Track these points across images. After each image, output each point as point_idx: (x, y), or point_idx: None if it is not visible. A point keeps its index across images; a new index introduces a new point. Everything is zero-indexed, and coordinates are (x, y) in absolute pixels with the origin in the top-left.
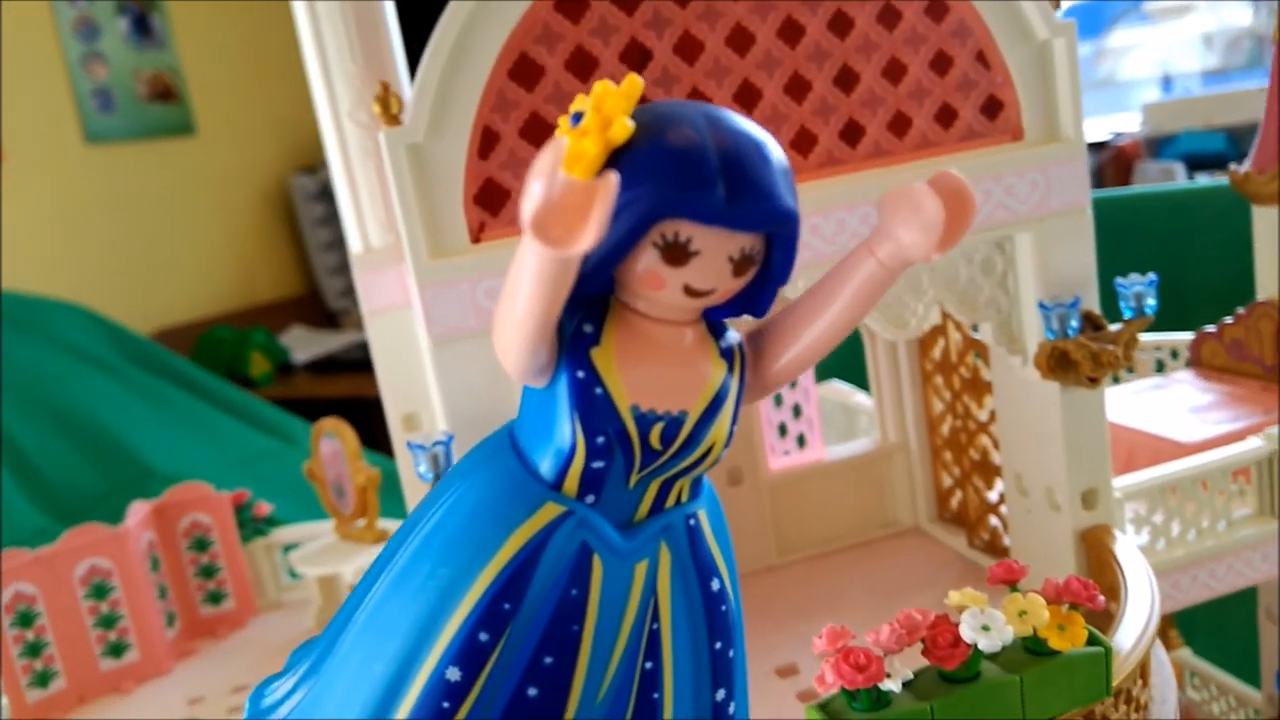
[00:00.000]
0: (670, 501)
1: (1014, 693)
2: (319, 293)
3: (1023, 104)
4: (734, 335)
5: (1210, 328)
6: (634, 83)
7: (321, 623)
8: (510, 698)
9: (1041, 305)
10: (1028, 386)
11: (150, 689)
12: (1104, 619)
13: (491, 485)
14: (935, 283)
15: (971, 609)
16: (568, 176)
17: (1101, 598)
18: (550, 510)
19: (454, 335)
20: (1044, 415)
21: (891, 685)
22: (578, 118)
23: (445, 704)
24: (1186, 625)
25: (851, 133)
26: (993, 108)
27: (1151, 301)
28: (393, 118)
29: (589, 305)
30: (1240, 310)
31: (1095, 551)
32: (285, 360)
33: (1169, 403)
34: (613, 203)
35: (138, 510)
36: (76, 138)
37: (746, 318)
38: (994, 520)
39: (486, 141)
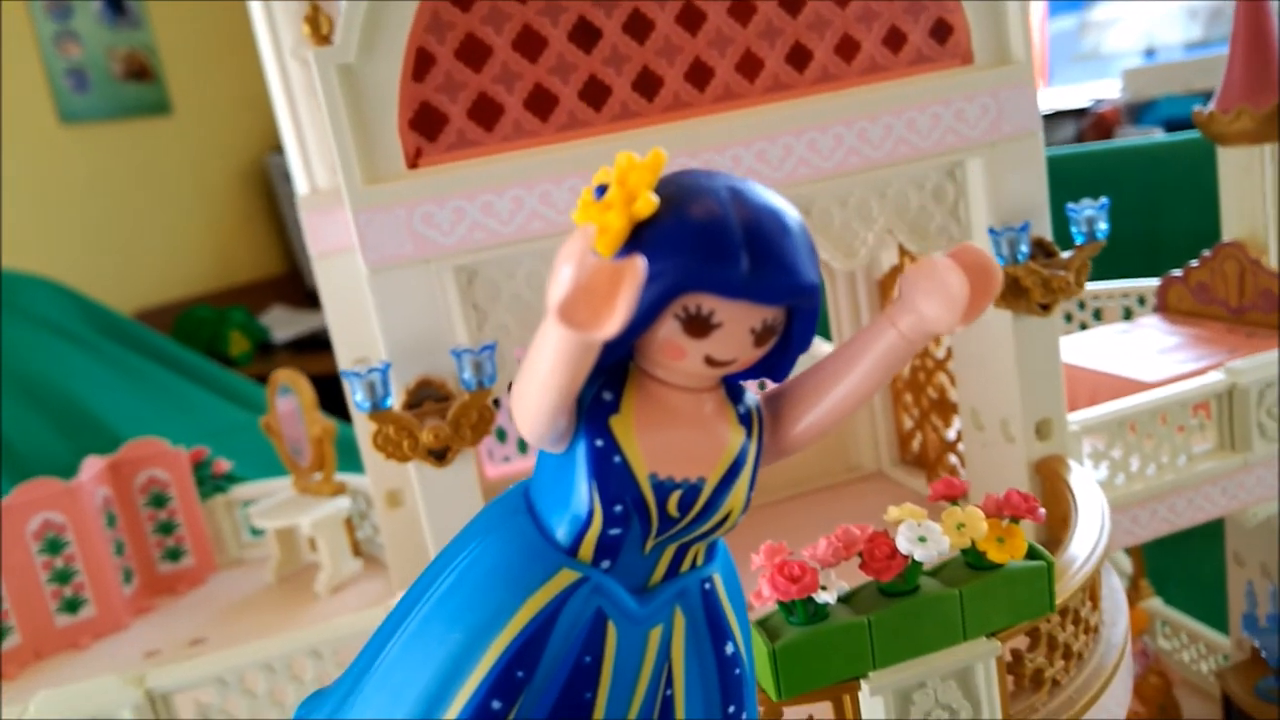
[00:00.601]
0: (685, 566)
1: (953, 606)
2: (299, 272)
3: (972, 27)
4: (752, 399)
5: (1176, 272)
6: (658, 156)
7: (281, 577)
8: None
9: (991, 230)
10: (982, 318)
11: (107, 645)
12: (1055, 548)
13: (507, 548)
14: (885, 210)
15: (909, 520)
16: (597, 259)
17: (1042, 510)
18: (566, 576)
19: (391, 263)
20: (998, 347)
21: (827, 597)
22: (601, 190)
23: None
24: (1158, 576)
25: (798, 57)
26: (942, 31)
27: (1103, 225)
28: (323, 38)
29: (609, 372)
30: (1206, 253)
31: (1050, 482)
32: (265, 339)
33: (1134, 345)
34: (641, 287)
35: (92, 465)
36: (51, 118)
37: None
38: (952, 458)
39: (421, 63)
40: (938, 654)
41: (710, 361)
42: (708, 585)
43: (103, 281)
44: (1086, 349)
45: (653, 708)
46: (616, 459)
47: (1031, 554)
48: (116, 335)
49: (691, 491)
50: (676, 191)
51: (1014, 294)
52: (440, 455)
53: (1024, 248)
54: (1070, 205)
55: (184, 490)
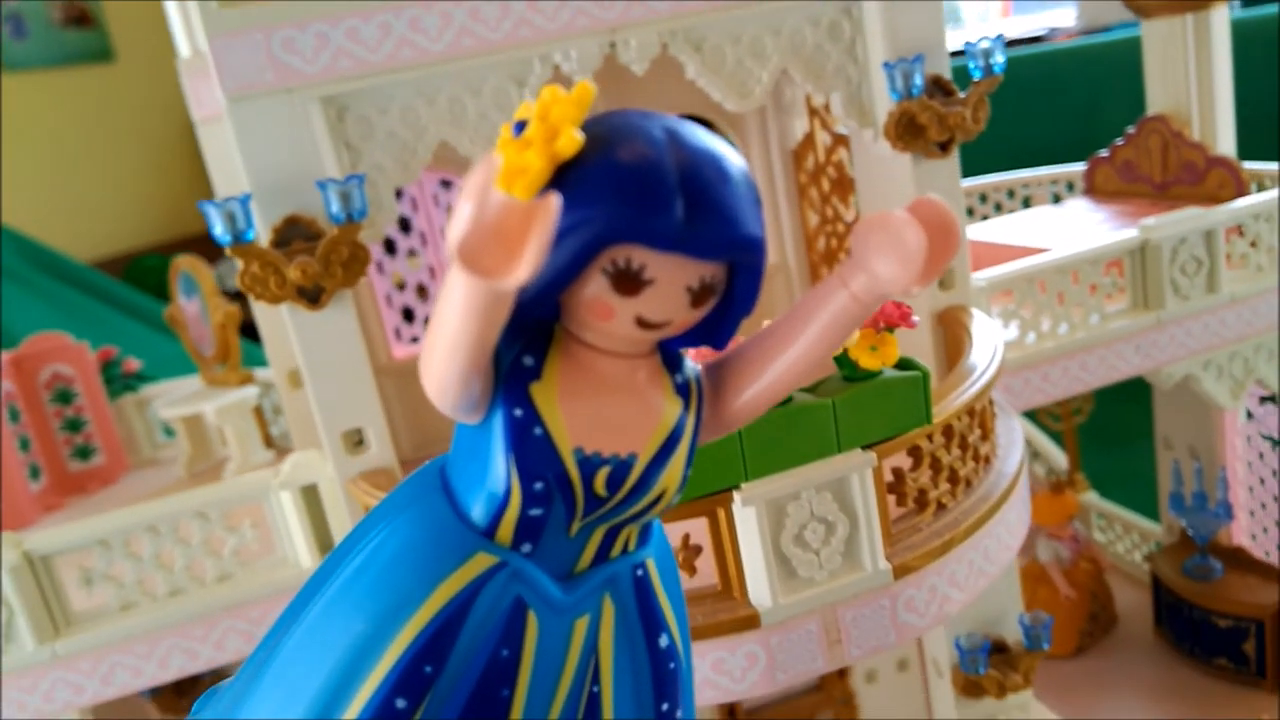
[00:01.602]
0: (616, 550)
1: (826, 416)
2: None
3: None
4: (691, 367)
5: (1103, 152)
6: (585, 90)
7: (193, 473)
8: None
9: (886, 64)
10: (884, 166)
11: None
12: None
13: (417, 530)
14: (780, 48)
15: None
16: (504, 196)
17: (916, 317)
18: (481, 561)
19: (251, 91)
20: (901, 195)
21: None
22: (520, 126)
23: None
24: (1097, 479)
25: None
26: None
27: (1000, 59)
28: None
29: (531, 334)
30: (1130, 129)
31: (951, 330)
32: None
33: (1059, 223)
34: (554, 228)
35: None
36: None
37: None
38: None
39: None
40: (812, 465)
41: (642, 323)
42: (640, 571)
43: (49, 232)
44: (1011, 229)
45: (578, 706)
46: (537, 430)
47: (908, 366)
48: (60, 275)
49: (621, 468)
50: (606, 131)
51: (911, 133)
52: (313, 298)
53: (918, 80)
54: (967, 41)
55: (90, 387)
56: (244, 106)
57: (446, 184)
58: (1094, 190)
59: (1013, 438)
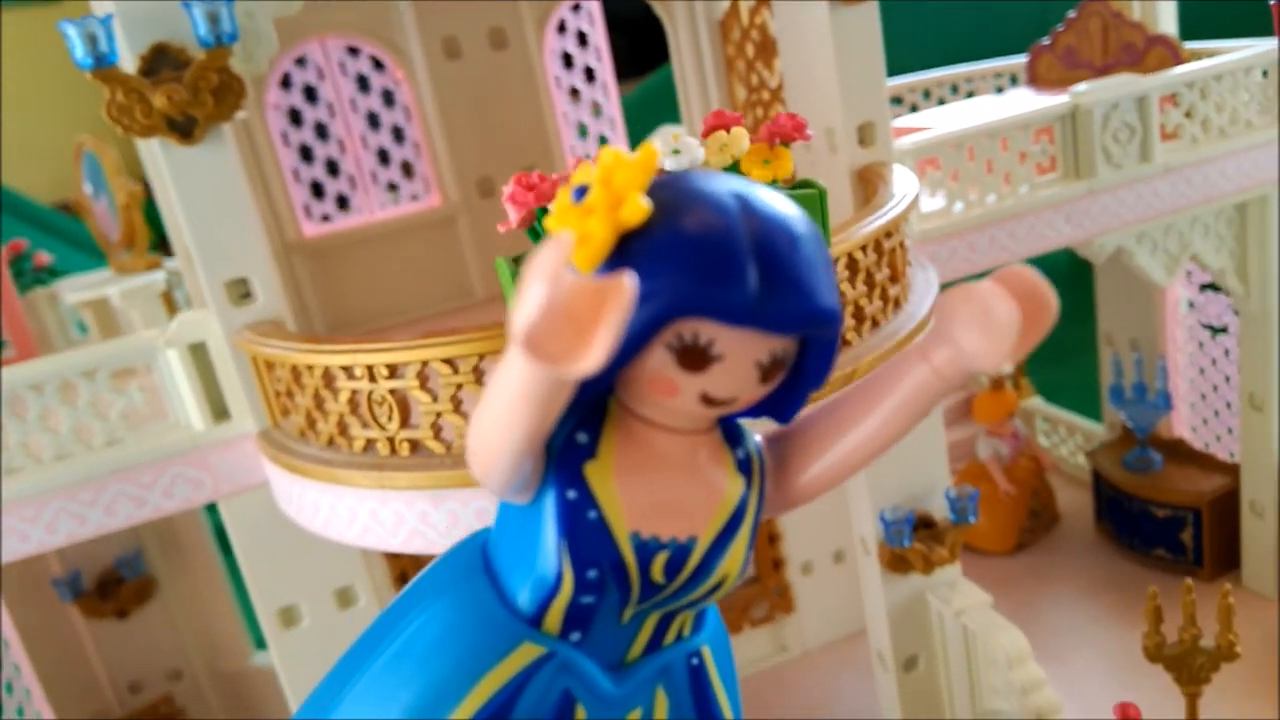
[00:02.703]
0: (670, 637)
1: None
2: None
3: None
4: (754, 441)
5: (1045, 40)
6: (650, 154)
7: None
8: None
9: None
10: (802, 20)
11: None
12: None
13: (458, 616)
14: None
15: (664, 132)
16: (575, 275)
17: (811, 131)
18: (528, 651)
19: None
20: (820, 49)
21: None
22: (581, 192)
23: None
24: (1045, 388)
25: None
26: None
27: None
28: None
29: (585, 409)
30: (1071, 14)
31: (870, 185)
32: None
33: (998, 111)
34: (629, 311)
35: None
36: None
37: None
38: None
39: None
40: None
41: (707, 400)
42: (695, 660)
43: (12, 175)
44: (949, 117)
45: None
46: (592, 514)
47: (804, 185)
48: (24, 217)
49: (680, 553)
50: (673, 195)
51: None
52: (185, 130)
53: None
54: None
55: None
56: None
57: (353, 51)
58: (1037, 80)
59: (929, 289)
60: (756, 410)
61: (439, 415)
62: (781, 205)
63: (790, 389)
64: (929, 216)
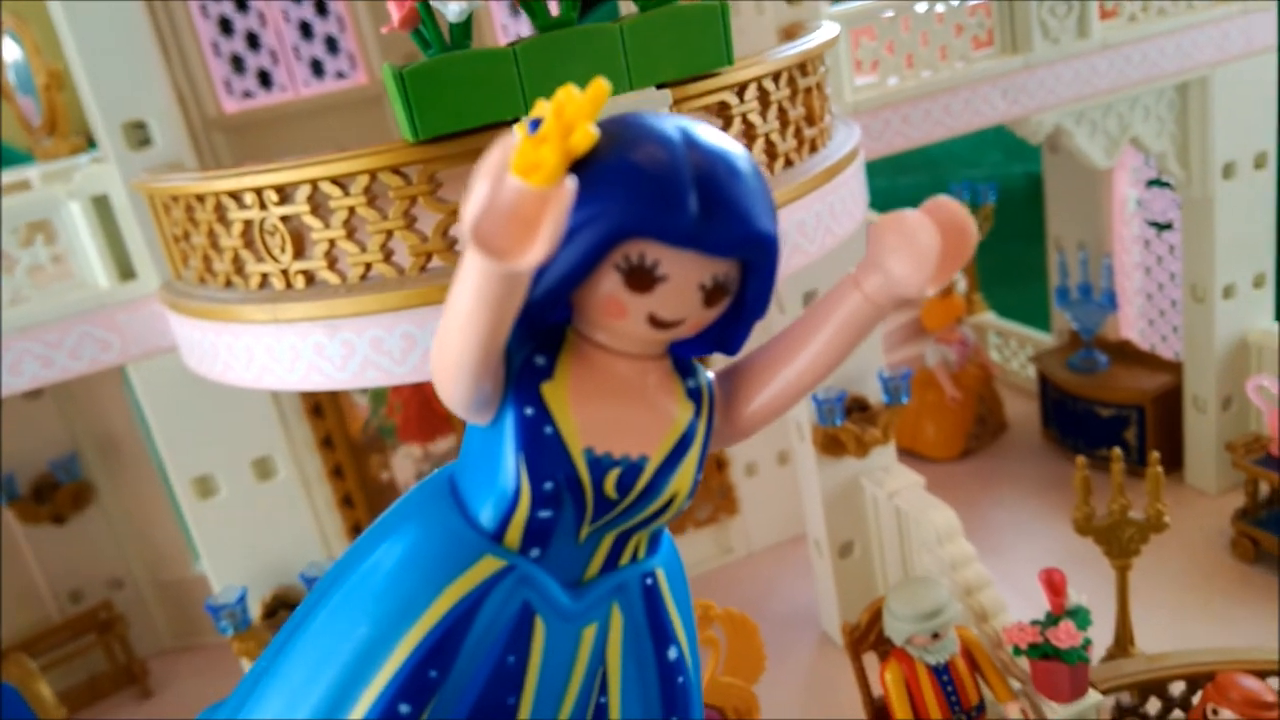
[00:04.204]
0: (625, 558)
1: (613, 43)
2: None
3: None
4: (704, 374)
5: None
6: (600, 88)
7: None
8: None
9: None
10: None
11: None
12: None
13: (424, 535)
14: None
15: None
16: (520, 182)
17: None
18: (489, 564)
19: None
20: None
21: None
22: (536, 124)
23: None
24: (999, 303)
25: None
26: None
27: None
28: None
29: (542, 336)
30: None
31: (793, 38)
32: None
33: None
34: (569, 210)
35: None
36: None
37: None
38: None
39: None
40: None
41: (655, 321)
42: (649, 581)
43: None
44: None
45: (584, 716)
46: (548, 429)
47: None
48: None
49: (632, 470)
50: (620, 129)
51: None
52: None
53: None
54: None
55: None
56: None
57: None
58: None
59: (850, 141)
60: (705, 344)
61: (332, 243)
62: (724, 141)
63: (735, 320)
64: (862, 89)
